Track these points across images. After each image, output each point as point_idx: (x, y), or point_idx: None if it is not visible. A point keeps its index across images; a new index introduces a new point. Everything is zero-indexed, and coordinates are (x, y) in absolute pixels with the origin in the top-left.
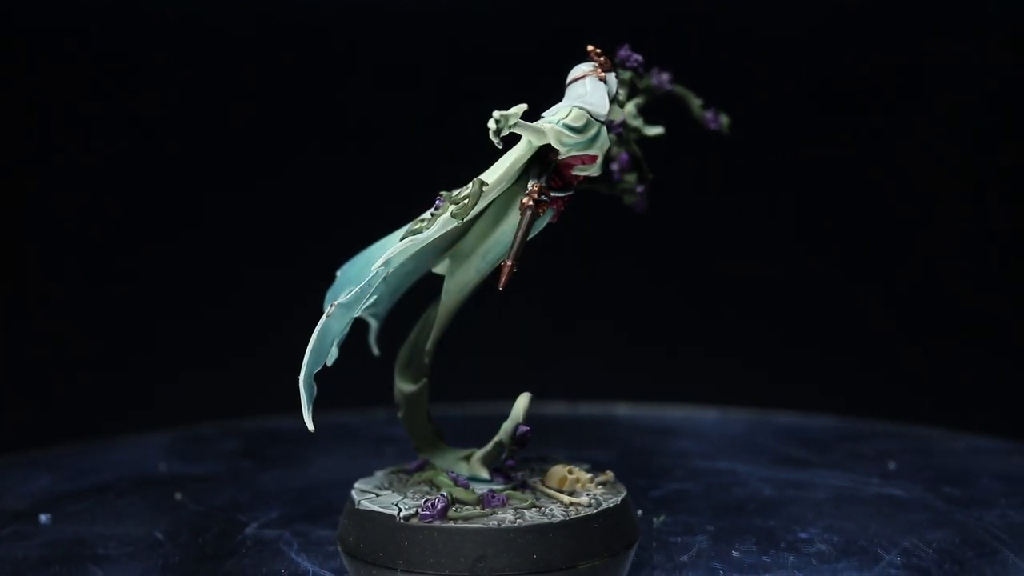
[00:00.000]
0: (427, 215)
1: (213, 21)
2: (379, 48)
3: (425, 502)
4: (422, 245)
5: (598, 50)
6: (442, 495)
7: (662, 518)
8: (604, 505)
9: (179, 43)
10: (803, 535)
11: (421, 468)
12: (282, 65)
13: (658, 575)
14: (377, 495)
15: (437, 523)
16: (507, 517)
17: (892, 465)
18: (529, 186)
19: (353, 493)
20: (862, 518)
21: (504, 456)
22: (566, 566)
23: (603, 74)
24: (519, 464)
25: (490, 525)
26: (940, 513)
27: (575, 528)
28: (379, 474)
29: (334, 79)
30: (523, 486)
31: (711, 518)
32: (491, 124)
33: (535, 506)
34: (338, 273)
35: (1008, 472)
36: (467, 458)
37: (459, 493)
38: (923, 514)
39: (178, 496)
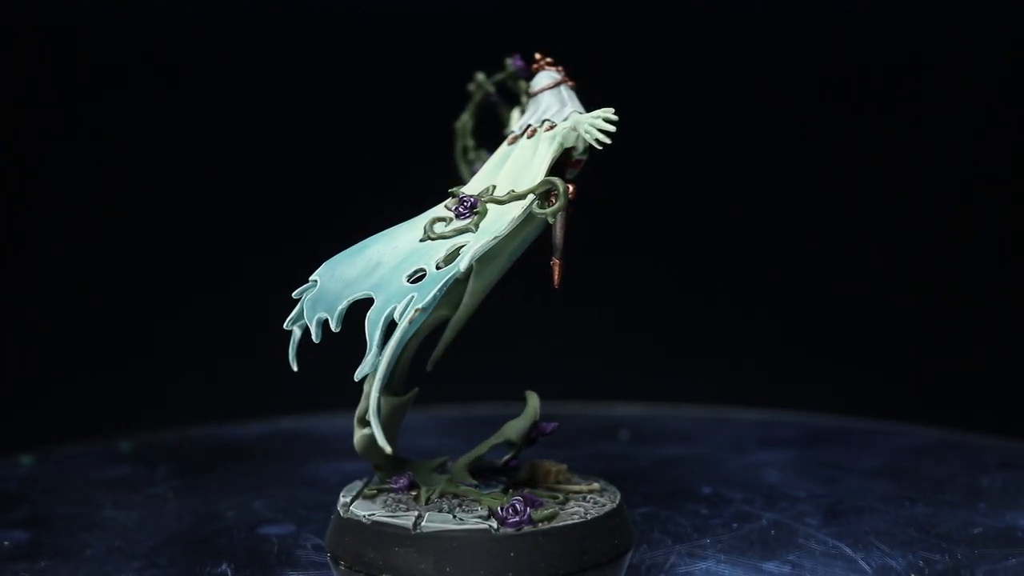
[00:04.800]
0: (440, 212)
1: (213, 21)
2: (379, 48)
3: (503, 510)
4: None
5: (549, 59)
6: (518, 498)
7: None
8: (614, 489)
9: (179, 43)
10: (706, 490)
11: (412, 484)
12: (282, 65)
13: (697, 536)
14: (422, 517)
15: (527, 528)
16: (579, 511)
17: (626, 435)
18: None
19: (389, 520)
20: (723, 473)
21: (509, 457)
22: (633, 545)
23: (571, 82)
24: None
25: (575, 520)
26: (709, 461)
27: (623, 511)
28: (359, 502)
29: (334, 79)
30: (515, 485)
31: (629, 491)
32: (610, 127)
33: (569, 500)
34: (315, 277)
35: (738, 433)
36: (439, 467)
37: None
38: (737, 464)
39: None
